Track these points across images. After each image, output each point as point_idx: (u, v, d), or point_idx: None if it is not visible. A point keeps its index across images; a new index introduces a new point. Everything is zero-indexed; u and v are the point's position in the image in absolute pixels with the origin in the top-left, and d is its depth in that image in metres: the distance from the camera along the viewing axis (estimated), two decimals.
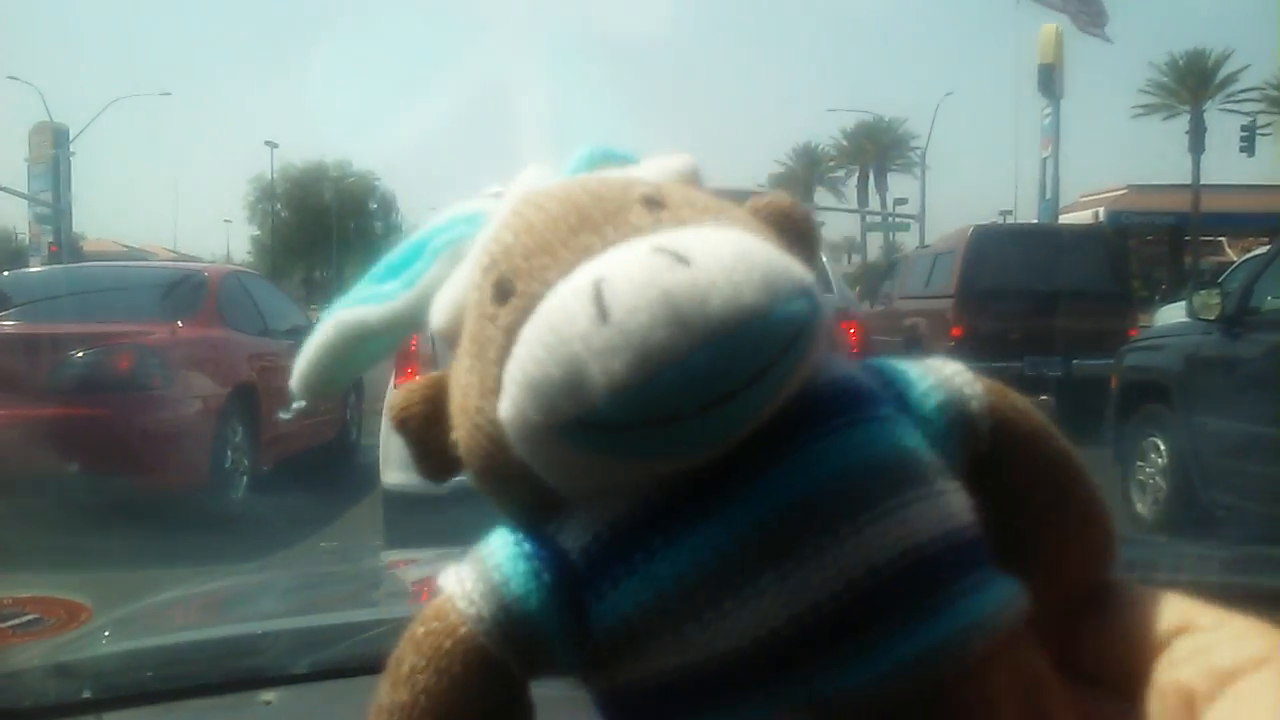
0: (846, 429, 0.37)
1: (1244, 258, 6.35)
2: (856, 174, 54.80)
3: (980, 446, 0.39)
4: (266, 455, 6.56)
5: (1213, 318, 5.06)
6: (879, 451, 0.37)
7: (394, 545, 4.24)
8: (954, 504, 0.37)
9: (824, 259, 4.73)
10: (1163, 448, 5.49)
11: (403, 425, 0.42)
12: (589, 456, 0.35)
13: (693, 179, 0.43)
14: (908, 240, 39.71)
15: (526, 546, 0.38)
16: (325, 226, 58.90)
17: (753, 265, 0.34)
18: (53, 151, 36.40)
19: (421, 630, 0.39)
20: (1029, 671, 0.37)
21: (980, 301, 10.05)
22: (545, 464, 0.36)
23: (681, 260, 0.34)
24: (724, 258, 0.34)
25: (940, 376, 0.40)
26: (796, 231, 0.41)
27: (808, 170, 55.81)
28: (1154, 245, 35.35)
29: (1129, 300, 10.57)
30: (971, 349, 9.87)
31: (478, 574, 0.38)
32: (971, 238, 10.45)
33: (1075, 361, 9.70)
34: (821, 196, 56.12)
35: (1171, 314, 12.44)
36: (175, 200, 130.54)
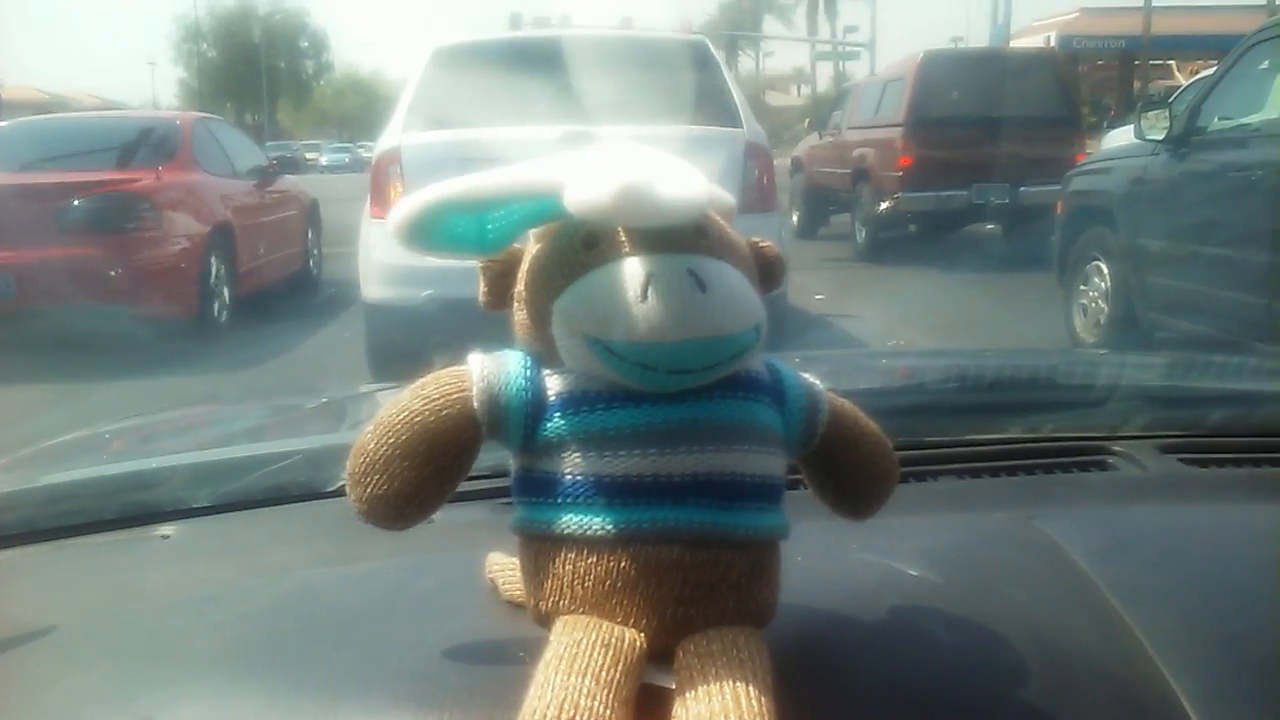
0: (743, 400, 0.60)
1: (1192, 79, 6.26)
2: (806, 1, 53.31)
3: (820, 430, 0.65)
4: (242, 287, 7.19)
5: (1160, 138, 5.03)
6: (751, 419, 0.60)
7: (375, 353, 4.98)
8: (775, 463, 0.61)
9: (735, 95, 5.17)
10: (1105, 270, 5.55)
11: (485, 269, 0.63)
12: (591, 359, 0.57)
13: (730, 215, 0.64)
14: (858, 70, 39.03)
15: (528, 371, 0.60)
16: (254, 67, 56.47)
17: (736, 304, 0.57)
18: None
19: (438, 380, 0.60)
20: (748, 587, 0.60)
21: (930, 129, 9.92)
22: (564, 346, 0.58)
23: (701, 286, 0.55)
24: (725, 295, 0.56)
25: (808, 389, 0.64)
26: (769, 268, 0.64)
27: None
28: (1103, 70, 34.92)
29: (1077, 125, 10.50)
30: (919, 178, 9.81)
31: (494, 369, 0.60)
32: (921, 64, 10.23)
33: (1023, 188, 9.69)
34: (770, 25, 54.80)
35: (1118, 139, 12.44)
36: (94, 43, 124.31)
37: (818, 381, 0.65)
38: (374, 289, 4.92)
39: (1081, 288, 5.78)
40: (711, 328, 0.55)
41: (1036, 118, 9.87)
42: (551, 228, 0.61)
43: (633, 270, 0.56)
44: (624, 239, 0.57)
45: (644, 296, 0.55)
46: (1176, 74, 30.72)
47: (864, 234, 10.67)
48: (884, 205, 10.15)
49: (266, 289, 7.81)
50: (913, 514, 0.83)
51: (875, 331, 6.34)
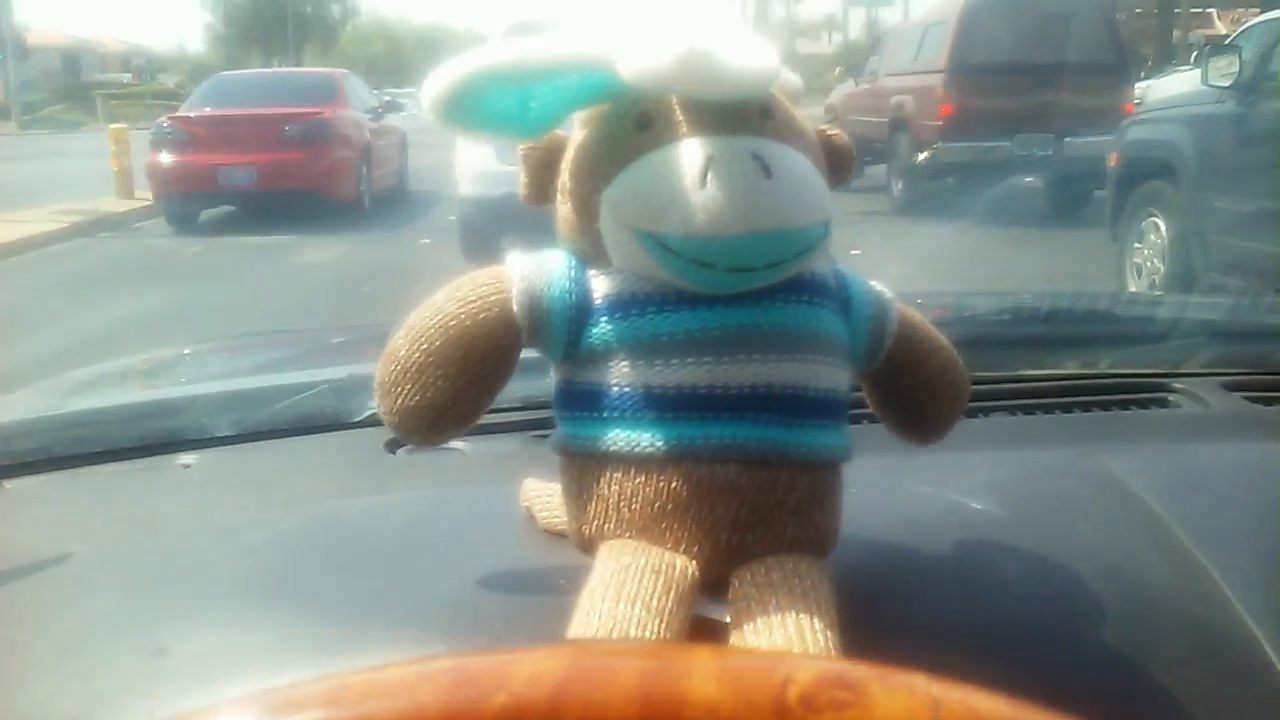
0: (807, 304, 0.54)
1: (1253, 22, 5.84)
2: None
3: (887, 343, 0.59)
4: (375, 186, 11.08)
5: (1229, 84, 4.69)
6: (816, 326, 0.54)
7: (466, 235, 7.09)
8: (840, 376, 0.56)
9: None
10: (1163, 228, 5.25)
11: (526, 158, 0.57)
12: (643, 255, 0.51)
13: (796, 98, 0.59)
14: (891, 16, 38.20)
15: (573, 272, 0.54)
16: (281, 11, 55.91)
17: (804, 195, 0.51)
18: None
19: (475, 281, 0.55)
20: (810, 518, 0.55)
21: (972, 76, 9.49)
22: (613, 242, 0.53)
23: (767, 172, 0.50)
24: (792, 183, 0.51)
25: (875, 297, 0.59)
26: (839, 159, 0.59)
27: None
28: (1142, 19, 33.91)
29: (1126, 74, 10.02)
30: (961, 128, 9.42)
31: (536, 269, 0.55)
32: (965, 6, 9.76)
33: (1068, 139, 9.30)
34: None
35: (1163, 88, 11.95)
36: None
37: (886, 289, 0.60)
38: (465, 186, 6.81)
39: (1136, 245, 5.47)
40: (776, 220, 0.50)
41: (1084, 65, 9.42)
42: (600, 109, 0.56)
43: (690, 153, 0.51)
44: (681, 118, 0.52)
45: (702, 183, 0.50)
46: (1217, 23, 29.90)
47: (901, 186, 10.30)
48: (923, 156, 9.78)
49: (383, 192, 11.39)
50: (968, 449, 0.78)
51: (916, 291, 6.05)
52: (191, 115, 10.51)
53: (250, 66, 60.08)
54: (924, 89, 9.98)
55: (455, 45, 73.89)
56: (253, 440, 0.91)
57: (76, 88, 46.46)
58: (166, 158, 10.05)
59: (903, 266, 7.00)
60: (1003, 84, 9.45)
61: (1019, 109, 9.37)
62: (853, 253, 7.45)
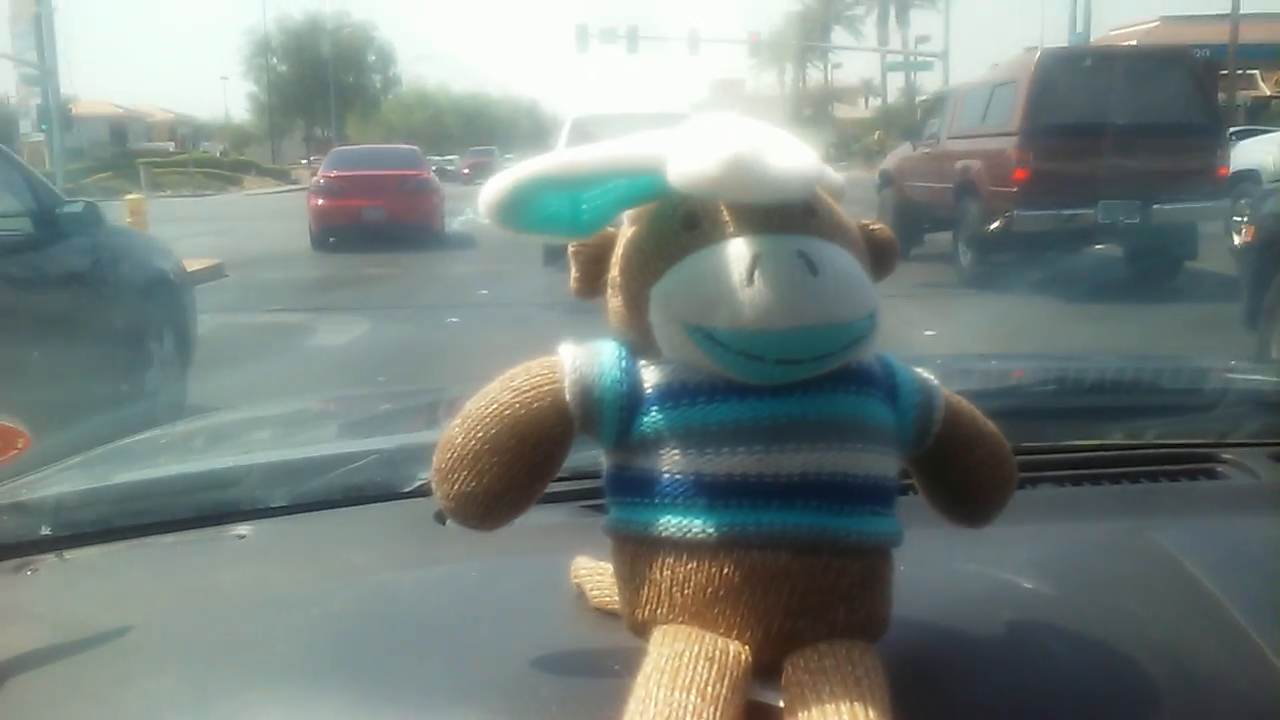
0: (855, 394, 0.55)
1: None
2: (876, 10, 52.10)
3: (934, 429, 0.60)
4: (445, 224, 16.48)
5: None
6: (864, 415, 0.56)
7: (548, 247, 7.61)
8: (888, 463, 0.57)
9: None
10: None
11: (577, 254, 0.60)
12: (692, 348, 0.53)
13: (839, 195, 0.60)
14: (929, 80, 37.87)
15: (624, 363, 0.57)
16: (323, 81, 56.68)
17: (850, 289, 0.53)
18: (35, 8, 34.71)
19: (529, 371, 0.58)
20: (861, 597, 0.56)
21: (1049, 138, 8.75)
22: (662, 334, 0.55)
23: (812, 269, 0.51)
24: (837, 279, 0.52)
25: (922, 384, 0.60)
26: (882, 253, 0.60)
27: (824, 7, 53.07)
28: None
29: (1219, 134, 9.30)
30: (1037, 194, 8.69)
31: (588, 359, 0.57)
32: (1039, 63, 9.07)
33: (1156, 206, 8.57)
34: (839, 35, 53.70)
35: (1248, 152, 11.23)
36: (168, 57, 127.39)
37: (932, 377, 0.61)
38: None
39: None
40: (823, 314, 0.52)
41: (1171, 125, 8.73)
42: (648, 208, 0.58)
43: (737, 251, 0.53)
44: (727, 218, 0.55)
45: (750, 280, 0.52)
46: (1261, 84, 29.33)
47: (969, 256, 9.57)
48: (995, 224, 9.04)
49: (445, 231, 16.32)
50: (1016, 523, 0.71)
51: (957, 356, 5.31)
52: (334, 174, 15.68)
53: (294, 134, 61.16)
54: (994, 152, 9.28)
55: (493, 113, 74.23)
56: (305, 511, 0.94)
57: (122, 156, 47.06)
58: (323, 202, 15.19)
59: (985, 350, 6.30)
60: (1081, 146, 8.73)
61: (1100, 173, 8.63)
62: (927, 333, 6.79)
